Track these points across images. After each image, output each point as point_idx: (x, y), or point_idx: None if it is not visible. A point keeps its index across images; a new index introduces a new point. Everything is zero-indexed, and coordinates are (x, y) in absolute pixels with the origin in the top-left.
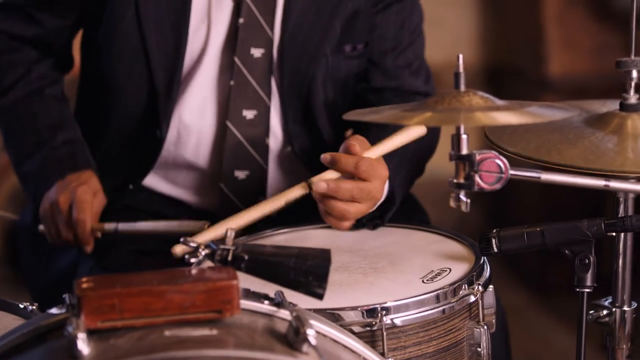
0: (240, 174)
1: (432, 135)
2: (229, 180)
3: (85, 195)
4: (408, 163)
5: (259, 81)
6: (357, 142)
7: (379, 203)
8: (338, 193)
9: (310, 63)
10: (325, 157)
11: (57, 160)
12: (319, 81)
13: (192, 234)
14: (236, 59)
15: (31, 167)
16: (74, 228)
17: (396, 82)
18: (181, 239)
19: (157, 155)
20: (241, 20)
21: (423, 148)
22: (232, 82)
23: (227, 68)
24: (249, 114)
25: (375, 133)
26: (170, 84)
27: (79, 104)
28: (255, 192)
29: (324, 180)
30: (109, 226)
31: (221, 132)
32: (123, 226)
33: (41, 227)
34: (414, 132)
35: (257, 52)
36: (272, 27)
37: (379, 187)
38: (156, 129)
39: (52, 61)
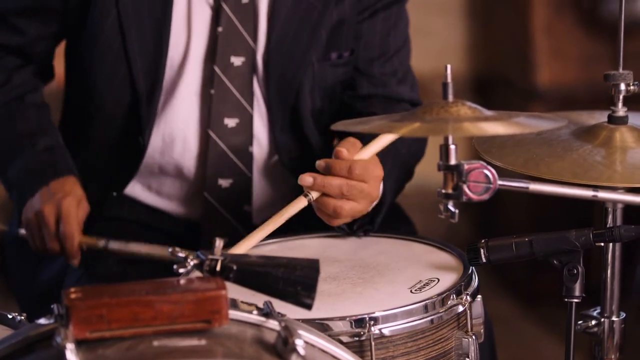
0: (224, 182)
1: (422, 140)
2: (212, 188)
3: (71, 208)
4: (400, 165)
5: (240, 89)
6: (345, 147)
7: (375, 202)
8: (326, 189)
9: (297, 72)
10: (320, 163)
11: (38, 167)
12: (306, 89)
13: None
14: (216, 68)
15: (13, 173)
16: (61, 241)
17: (383, 89)
18: (169, 250)
19: (139, 163)
20: (220, 29)
21: (413, 152)
22: (212, 91)
23: (208, 76)
24: (230, 122)
25: (367, 136)
26: (152, 89)
27: (64, 113)
28: (240, 201)
29: (311, 175)
30: (99, 242)
31: (204, 141)
32: (114, 244)
33: (22, 231)
34: (387, 138)
35: (237, 61)
36: (253, 36)
37: (375, 187)
38: (139, 136)
39: (33, 69)
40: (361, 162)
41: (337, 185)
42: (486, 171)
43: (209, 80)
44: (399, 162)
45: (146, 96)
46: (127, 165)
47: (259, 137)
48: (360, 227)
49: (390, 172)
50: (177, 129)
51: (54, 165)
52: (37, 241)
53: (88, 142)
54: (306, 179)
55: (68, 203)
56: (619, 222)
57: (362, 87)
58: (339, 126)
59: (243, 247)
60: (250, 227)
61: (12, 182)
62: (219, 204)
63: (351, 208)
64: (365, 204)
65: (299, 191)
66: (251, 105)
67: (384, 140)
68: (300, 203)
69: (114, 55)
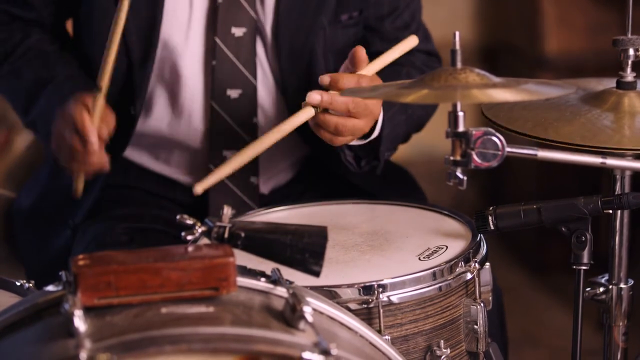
0: (229, 154)
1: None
2: (217, 160)
3: (83, 103)
4: (406, 117)
5: (242, 60)
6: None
7: (378, 126)
8: (333, 106)
9: (308, 37)
10: (324, 78)
11: (61, 93)
12: (319, 54)
13: None
14: (217, 39)
15: (37, 111)
16: (79, 135)
17: (395, 44)
18: (177, 217)
19: (131, 133)
20: (220, 0)
21: (422, 107)
22: (214, 62)
23: (210, 48)
24: (233, 93)
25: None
26: (144, 61)
27: None
28: (247, 172)
29: (318, 93)
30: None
31: (208, 112)
32: None
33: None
34: (408, 44)
35: (238, 32)
36: (253, 6)
37: (378, 103)
38: (130, 106)
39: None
40: (367, 77)
41: (344, 102)
42: (495, 138)
43: (210, 51)
44: (403, 105)
45: (139, 66)
46: (120, 135)
47: (263, 108)
48: (368, 163)
49: (398, 116)
50: (182, 100)
51: (75, 88)
52: (65, 153)
53: None
54: (314, 96)
55: (81, 100)
56: (627, 189)
57: (374, 44)
58: (347, 93)
59: (247, 154)
60: (256, 198)
61: (37, 116)
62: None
63: (353, 125)
64: (367, 121)
65: (306, 162)
66: (254, 76)
67: (388, 57)
68: (307, 113)
69: (109, 28)
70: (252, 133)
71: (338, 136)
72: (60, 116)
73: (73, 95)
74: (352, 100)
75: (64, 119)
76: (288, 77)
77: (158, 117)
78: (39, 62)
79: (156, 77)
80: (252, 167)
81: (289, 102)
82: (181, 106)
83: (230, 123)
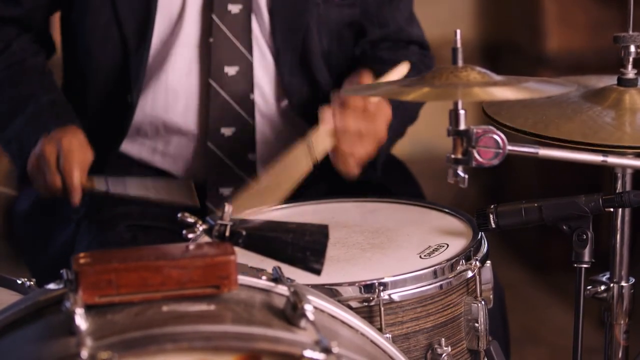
0: (227, 131)
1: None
2: (215, 138)
3: (71, 145)
4: (405, 105)
5: (238, 37)
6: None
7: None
8: (349, 105)
9: (303, 12)
10: (335, 98)
11: (41, 119)
12: (313, 31)
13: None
14: (214, 16)
15: (15, 129)
16: (61, 177)
17: (394, 32)
18: (179, 215)
19: (130, 121)
20: None
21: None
22: (211, 40)
23: (206, 26)
24: (230, 70)
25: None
26: (141, 49)
27: (63, 82)
28: (244, 149)
29: (329, 108)
30: (99, 185)
31: (205, 91)
32: (114, 188)
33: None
34: (401, 70)
35: (234, 8)
36: None
37: (383, 127)
38: (127, 95)
39: (33, 37)
40: (375, 99)
41: (359, 101)
42: (496, 136)
43: (207, 29)
44: (401, 107)
45: (135, 56)
46: (118, 125)
47: (260, 84)
48: (364, 172)
49: (396, 112)
50: (180, 82)
51: (56, 116)
52: (40, 184)
53: (86, 107)
54: (326, 112)
55: (68, 141)
56: (628, 187)
57: (373, 33)
58: (349, 92)
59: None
60: (255, 175)
61: (12, 136)
62: (222, 153)
63: (364, 151)
64: (375, 145)
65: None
66: (250, 52)
67: (396, 73)
68: (304, 162)
69: (105, 19)
70: (249, 110)
71: (352, 164)
72: (43, 147)
73: (55, 123)
74: (365, 99)
75: (46, 155)
76: (283, 53)
77: (154, 100)
78: (20, 78)
79: (152, 59)
80: (249, 144)
81: (285, 78)
82: (177, 86)
83: (228, 100)
